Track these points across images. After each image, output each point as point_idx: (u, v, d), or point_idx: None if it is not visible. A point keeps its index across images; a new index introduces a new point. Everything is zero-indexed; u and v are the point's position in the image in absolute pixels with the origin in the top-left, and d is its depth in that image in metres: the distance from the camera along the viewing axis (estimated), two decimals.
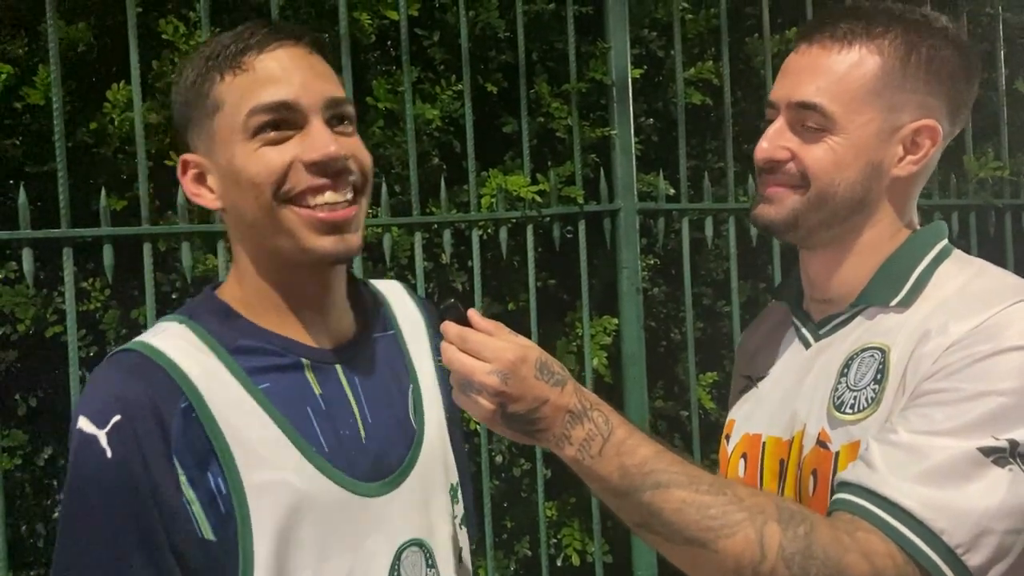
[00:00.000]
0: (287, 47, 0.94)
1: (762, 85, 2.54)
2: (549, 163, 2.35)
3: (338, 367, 0.98)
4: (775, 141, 1.06)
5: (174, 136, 1.99)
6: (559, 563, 2.36)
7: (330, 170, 0.92)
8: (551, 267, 2.43)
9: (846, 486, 0.94)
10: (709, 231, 2.42)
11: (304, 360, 0.96)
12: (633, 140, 2.34)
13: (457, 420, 1.13)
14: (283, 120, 0.92)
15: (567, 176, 2.29)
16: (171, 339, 0.93)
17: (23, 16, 2.00)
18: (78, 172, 1.96)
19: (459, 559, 1.05)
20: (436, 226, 2.14)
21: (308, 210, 0.92)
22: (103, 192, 1.82)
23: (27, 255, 1.75)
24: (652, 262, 2.55)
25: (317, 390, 0.96)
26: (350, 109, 0.97)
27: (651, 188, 2.41)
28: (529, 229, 2.21)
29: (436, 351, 1.12)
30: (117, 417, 0.86)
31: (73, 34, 1.95)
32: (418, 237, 2.07)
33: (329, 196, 0.92)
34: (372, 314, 1.06)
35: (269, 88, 0.91)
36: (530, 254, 2.20)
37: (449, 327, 0.93)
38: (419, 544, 0.99)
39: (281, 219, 0.92)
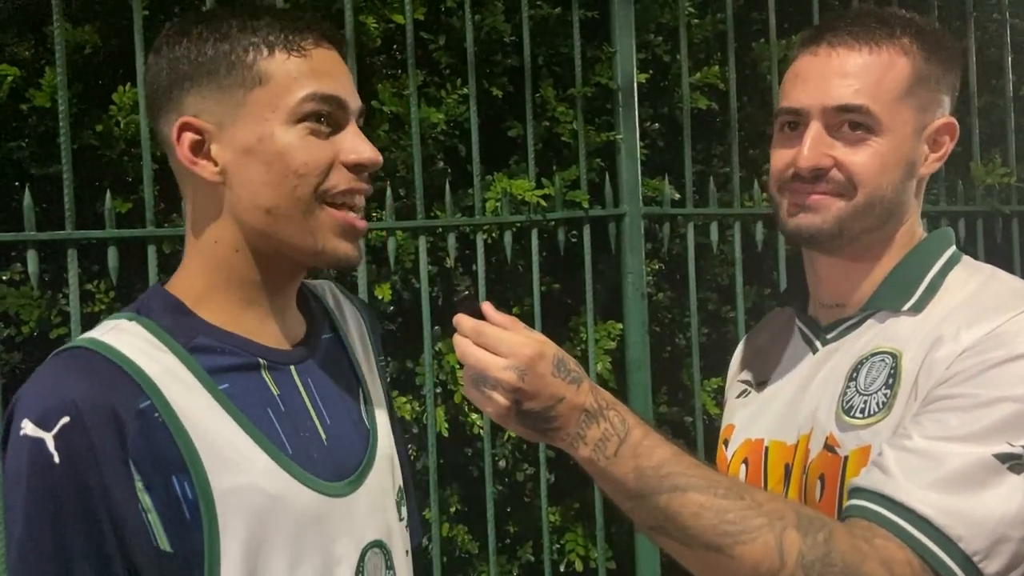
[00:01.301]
0: (334, 49, 0.94)
1: (768, 90, 2.54)
2: (554, 167, 2.35)
3: (292, 368, 0.95)
4: (817, 148, 1.03)
5: None
6: (562, 569, 2.35)
7: (365, 175, 0.92)
8: (555, 271, 2.42)
9: (861, 492, 0.93)
10: (714, 236, 2.41)
11: (261, 360, 0.93)
12: (638, 145, 2.34)
13: (396, 422, 1.10)
14: (330, 114, 0.91)
15: (572, 180, 2.29)
16: (124, 336, 0.87)
17: (30, 18, 2.00)
18: (83, 174, 1.96)
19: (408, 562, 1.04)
20: (440, 230, 2.14)
21: (342, 212, 0.91)
22: (108, 194, 1.82)
23: (32, 257, 1.75)
24: (657, 267, 2.54)
25: (275, 390, 0.93)
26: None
27: (656, 193, 2.41)
28: (534, 233, 2.21)
29: (378, 351, 1.11)
30: (65, 419, 0.80)
31: (80, 36, 1.95)
32: (422, 241, 2.06)
33: (359, 200, 0.93)
34: (316, 315, 1.04)
35: (325, 79, 0.91)
36: (534, 258, 2.20)
37: (463, 320, 0.91)
38: (379, 545, 0.97)
39: (313, 216, 0.90)
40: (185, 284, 0.95)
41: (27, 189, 1.76)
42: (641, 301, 2.33)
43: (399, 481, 1.05)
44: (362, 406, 1.03)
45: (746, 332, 2.42)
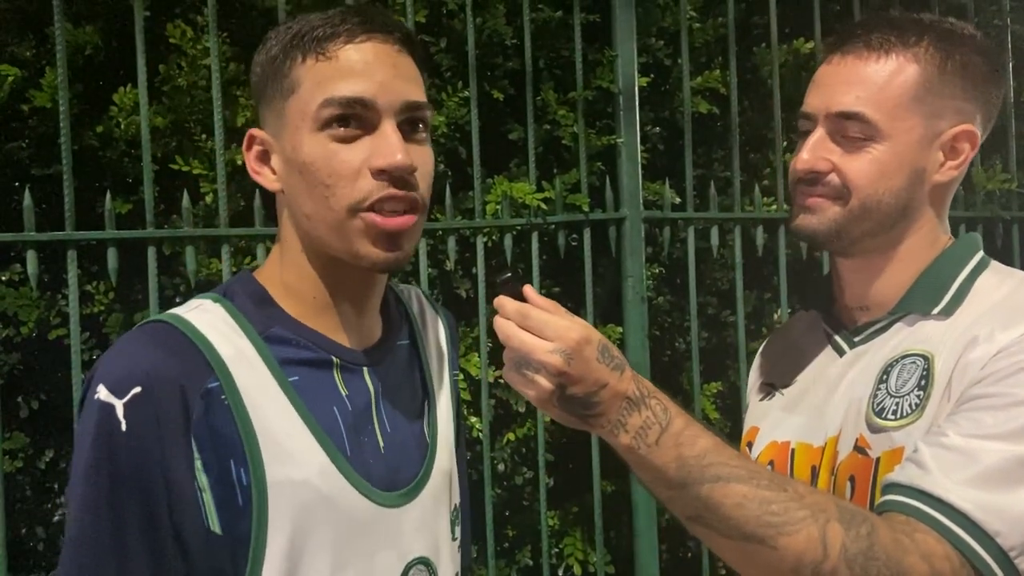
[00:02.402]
0: (376, 41, 0.90)
1: (769, 95, 2.54)
2: (555, 170, 2.34)
3: (365, 370, 0.95)
4: (816, 152, 1.06)
5: (180, 140, 2.00)
6: (561, 573, 2.35)
7: (396, 178, 0.89)
8: (556, 275, 2.42)
9: (897, 487, 0.93)
10: (715, 240, 2.41)
11: (334, 359, 0.93)
12: (639, 148, 2.34)
13: (462, 437, 1.10)
14: (355, 116, 0.88)
15: (572, 184, 2.29)
16: (205, 315, 0.90)
17: (31, 19, 2.00)
18: (83, 175, 1.96)
19: None
20: (441, 232, 2.14)
21: (373, 216, 0.88)
22: (108, 195, 1.82)
23: (31, 257, 1.75)
24: (657, 271, 2.54)
25: (344, 391, 0.93)
26: (427, 114, 0.93)
27: (657, 197, 2.40)
28: (534, 236, 2.20)
29: (454, 364, 1.10)
30: (137, 389, 0.82)
31: (81, 37, 1.95)
32: (423, 243, 2.06)
33: (397, 205, 0.90)
34: (396, 320, 1.03)
35: (348, 81, 0.88)
36: (535, 261, 2.20)
37: (506, 302, 0.90)
38: (425, 563, 0.96)
39: (347, 225, 0.89)
40: (270, 275, 0.96)
41: (27, 190, 1.76)
42: (641, 305, 2.33)
43: (456, 499, 1.04)
44: (425, 418, 1.02)
45: (746, 337, 2.44)
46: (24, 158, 1.99)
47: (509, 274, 0.92)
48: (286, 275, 0.95)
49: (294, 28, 0.91)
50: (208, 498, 0.84)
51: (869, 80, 1.04)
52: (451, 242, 2.11)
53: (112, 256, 1.80)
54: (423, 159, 0.92)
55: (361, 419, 0.93)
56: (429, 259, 2.11)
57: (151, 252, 1.83)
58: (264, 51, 0.94)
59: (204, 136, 1.98)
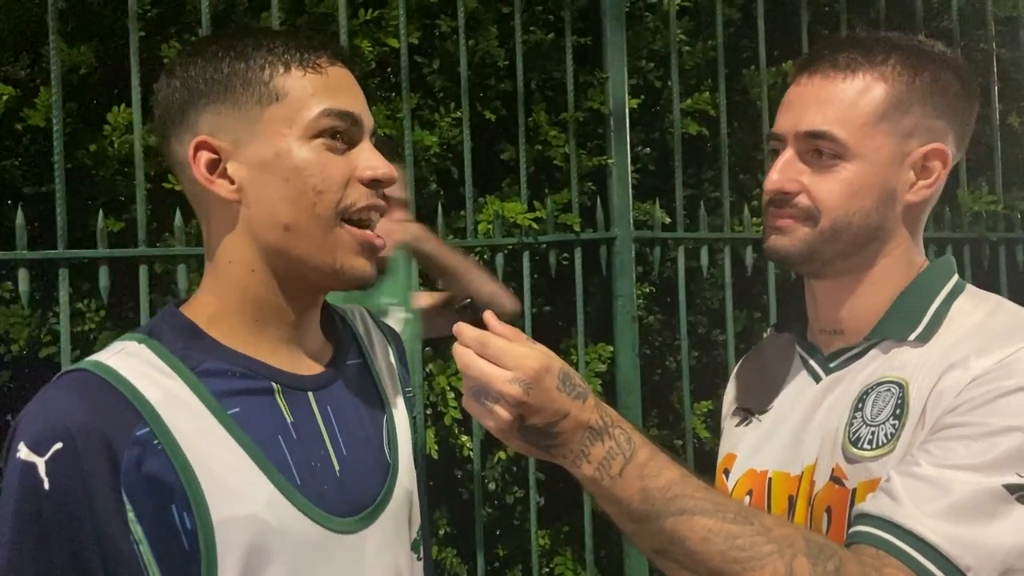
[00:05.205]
0: (346, 68, 0.94)
1: (758, 116, 2.56)
2: (546, 190, 2.36)
3: (310, 394, 0.92)
4: (786, 172, 1.04)
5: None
6: None
7: (381, 190, 0.91)
8: (547, 294, 2.43)
9: (868, 518, 0.91)
10: (704, 260, 2.43)
11: (274, 384, 0.89)
12: (630, 169, 2.36)
13: (419, 455, 1.07)
14: (345, 131, 0.90)
15: (564, 204, 2.30)
16: (129, 359, 0.86)
17: (26, 38, 2.01)
18: (76, 193, 1.97)
19: None
20: None
21: (361, 230, 0.90)
22: (101, 214, 1.82)
23: (23, 275, 1.75)
24: (648, 290, 2.56)
25: (288, 417, 0.89)
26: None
27: (647, 217, 2.42)
28: (525, 256, 2.22)
29: (405, 381, 1.08)
30: (59, 445, 0.78)
31: (75, 57, 1.96)
32: (414, 263, 2.07)
33: (375, 217, 0.92)
34: (343, 339, 1.01)
35: (343, 96, 0.90)
36: (526, 281, 2.21)
37: (465, 329, 0.86)
38: None
39: (332, 235, 0.88)
40: (199, 305, 0.92)
41: (19, 208, 1.76)
42: (632, 324, 2.34)
43: (419, 519, 1.01)
44: (385, 438, 0.98)
45: (736, 356, 2.44)
46: (17, 176, 1.99)
47: (468, 299, 0.89)
48: (224, 299, 0.91)
49: (264, 41, 0.90)
50: (145, 549, 0.80)
51: (836, 99, 1.03)
52: None
53: (104, 275, 1.80)
54: None
55: (310, 445, 0.90)
56: (421, 278, 2.11)
57: (143, 271, 1.83)
58: (222, 59, 0.90)
59: None
